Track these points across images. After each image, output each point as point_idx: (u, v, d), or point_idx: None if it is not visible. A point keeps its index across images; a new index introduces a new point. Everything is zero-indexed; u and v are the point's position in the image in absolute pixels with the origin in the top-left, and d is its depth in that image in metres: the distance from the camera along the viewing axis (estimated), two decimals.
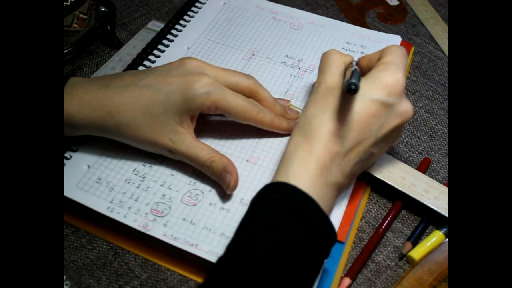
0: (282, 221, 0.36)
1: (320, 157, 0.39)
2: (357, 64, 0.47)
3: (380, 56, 0.44)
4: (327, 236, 0.37)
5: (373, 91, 0.40)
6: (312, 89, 0.44)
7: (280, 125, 0.48)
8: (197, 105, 0.43)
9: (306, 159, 0.39)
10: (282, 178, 0.38)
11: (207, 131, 0.50)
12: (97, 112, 0.43)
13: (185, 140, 0.44)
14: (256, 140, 0.49)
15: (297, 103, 0.53)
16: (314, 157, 0.39)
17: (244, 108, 0.45)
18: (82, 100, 0.43)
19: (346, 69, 0.44)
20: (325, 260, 0.39)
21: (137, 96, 0.43)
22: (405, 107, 0.41)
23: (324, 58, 0.45)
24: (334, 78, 0.43)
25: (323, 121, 0.40)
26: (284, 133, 0.49)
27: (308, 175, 0.38)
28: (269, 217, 0.37)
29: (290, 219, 0.36)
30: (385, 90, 0.40)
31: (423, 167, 0.51)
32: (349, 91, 0.37)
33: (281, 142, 0.49)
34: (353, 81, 0.37)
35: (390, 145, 0.44)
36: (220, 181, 0.45)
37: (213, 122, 0.50)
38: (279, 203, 0.37)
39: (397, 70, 0.41)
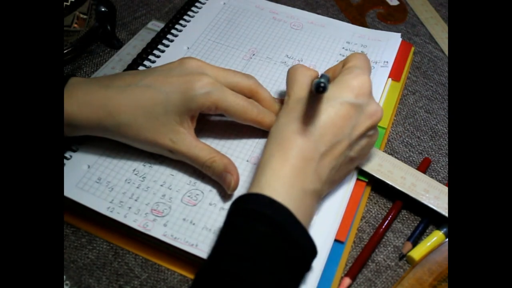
0: (256, 234, 0.35)
1: (294, 164, 0.38)
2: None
3: (343, 63, 0.45)
4: (304, 247, 0.37)
5: (342, 94, 0.40)
6: (284, 103, 0.44)
7: None
8: (197, 105, 0.43)
9: (280, 167, 0.38)
10: (256, 189, 0.38)
11: (207, 131, 0.50)
12: (98, 112, 0.43)
13: (186, 140, 0.44)
14: (256, 140, 0.49)
15: None
16: (288, 164, 0.38)
17: (244, 108, 0.45)
18: (82, 100, 0.43)
19: (312, 81, 0.45)
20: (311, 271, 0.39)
21: (137, 97, 0.43)
22: (375, 108, 0.41)
23: (291, 73, 0.45)
24: (302, 90, 0.43)
25: (294, 127, 0.39)
26: None
27: (281, 183, 0.37)
28: (244, 231, 0.36)
29: (265, 231, 0.35)
30: (352, 92, 0.40)
31: (423, 167, 0.51)
32: (317, 90, 0.37)
33: None
34: (322, 80, 0.37)
35: (369, 148, 0.44)
36: (221, 181, 0.45)
37: (213, 122, 0.50)
38: (253, 214, 0.36)
39: (362, 72, 0.42)
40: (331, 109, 0.40)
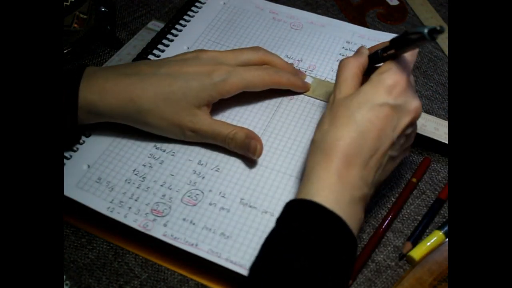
0: (311, 238, 0.36)
1: (340, 173, 0.38)
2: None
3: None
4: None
5: (378, 96, 0.40)
6: (328, 103, 0.43)
7: (296, 82, 0.52)
8: (218, 92, 0.46)
9: (326, 176, 0.38)
10: (306, 196, 0.38)
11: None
12: (119, 99, 0.44)
13: (205, 120, 0.46)
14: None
15: (297, 102, 0.53)
16: (334, 172, 0.38)
17: (260, 77, 0.49)
18: (103, 88, 0.45)
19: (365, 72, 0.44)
20: None
21: (157, 84, 0.45)
22: (414, 105, 0.41)
23: (339, 68, 0.44)
24: (348, 89, 0.42)
25: (337, 134, 0.39)
26: (300, 91, 0.53)
27: (329, 192, 0.38)
28: (298, 234, 0.37)
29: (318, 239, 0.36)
30: (389, 93, 0.40)
31: (423, 167, 0.51)
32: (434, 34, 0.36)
33: (281, 142, 0.49)
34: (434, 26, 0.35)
35: (408, 144, 0.43)
36: (245, 150, 0.46)
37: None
38: (308, 218, 0.37)
39: (397, 71, 0.41)
40: (372, 113, 0.39)
